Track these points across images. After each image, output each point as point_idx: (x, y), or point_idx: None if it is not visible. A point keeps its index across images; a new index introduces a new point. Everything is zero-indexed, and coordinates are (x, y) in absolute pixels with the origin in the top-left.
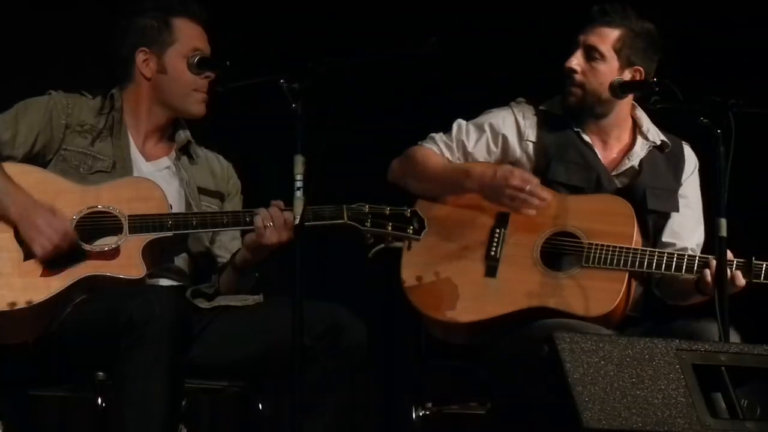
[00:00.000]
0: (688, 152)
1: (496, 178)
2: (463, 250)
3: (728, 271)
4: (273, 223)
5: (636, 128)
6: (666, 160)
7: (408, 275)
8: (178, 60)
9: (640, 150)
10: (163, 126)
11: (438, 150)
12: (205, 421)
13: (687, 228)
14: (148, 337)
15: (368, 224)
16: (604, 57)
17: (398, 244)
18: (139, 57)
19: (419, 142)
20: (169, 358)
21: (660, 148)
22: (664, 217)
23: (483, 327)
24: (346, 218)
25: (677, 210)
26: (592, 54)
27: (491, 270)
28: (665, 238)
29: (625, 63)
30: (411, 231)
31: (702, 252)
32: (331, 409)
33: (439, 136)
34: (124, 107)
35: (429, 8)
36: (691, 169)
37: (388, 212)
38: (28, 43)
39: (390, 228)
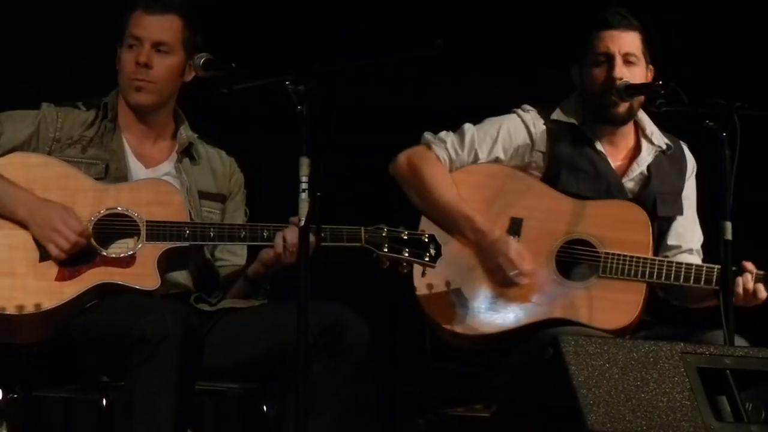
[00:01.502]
0: (688, 153)
1: (495, 246)
2: (478, 262)
3: (750, 284)
4: (291, 243)
5: (639, 130)
6: (670, 163)
7: (420, 283)
8: (122, 50)
9: (647, 155)
10: (152, 123)
11: (447, 158)
12: (209, 422)
13: (689, 229)
14: (160, 356)
15: (385, 249)
16: (638, 61)
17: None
18: (119, 52)
19: (428, 138)
20: (179, 377)
21: (663, 151)
22: (669, 221)
23: (497, 338)
24: (363, 241)
25: (682, 213)
26: (630, 60)
27: (503, 281)
28: (670, 241)
29: (647, 64)
30: (427, 258)
31: (705, 253)
32: (334, 408)
33: (450, 142)
34: (119, 112)
35: (433, 9)
36: (691, 170)
37: (405, 237)
38: (31, 48)
39: (406, 254)
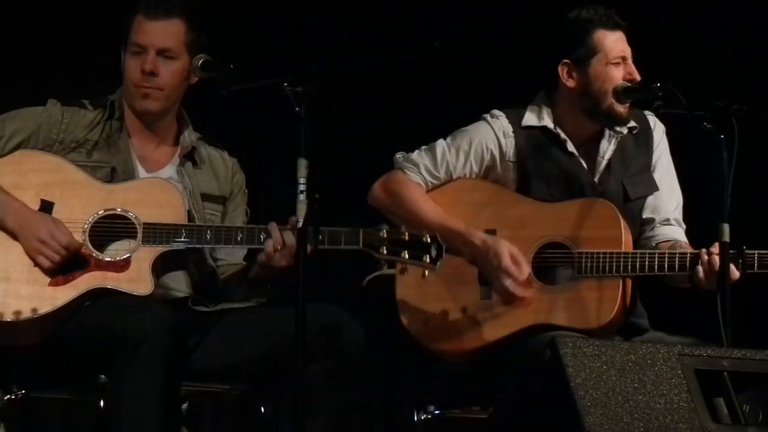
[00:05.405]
0: (653, 122)
1: (488, 257)
2: (456, 273)
3: (717, 266)
4: (282, 247)
5: None
6: (634, 141)
7: (404, 307)
8: (126, 55)
9: (608, 143)
10: (155, 128)
11: (423, 182)
12: (206, 424)
13: (663, 198)
14: (141, 357)
15: (383, 251)
16: None
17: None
18: (123, 56)
19: (401, 161)
20: (162, 378)
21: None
22: (646, 197)
23: (484, 351)
24: (361, 244)
25: (657, 189)
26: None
27: (486, 292)
28: (645, 215)
29: None
30: (428, 259)
31: (692, 241)
32: (331, 409)
33: (423, 165)
34: (125, 112)
35: (432, 12)
36: (659, 139)
37: (406, 238)
38: (32, 49)
39: (406, 256)
